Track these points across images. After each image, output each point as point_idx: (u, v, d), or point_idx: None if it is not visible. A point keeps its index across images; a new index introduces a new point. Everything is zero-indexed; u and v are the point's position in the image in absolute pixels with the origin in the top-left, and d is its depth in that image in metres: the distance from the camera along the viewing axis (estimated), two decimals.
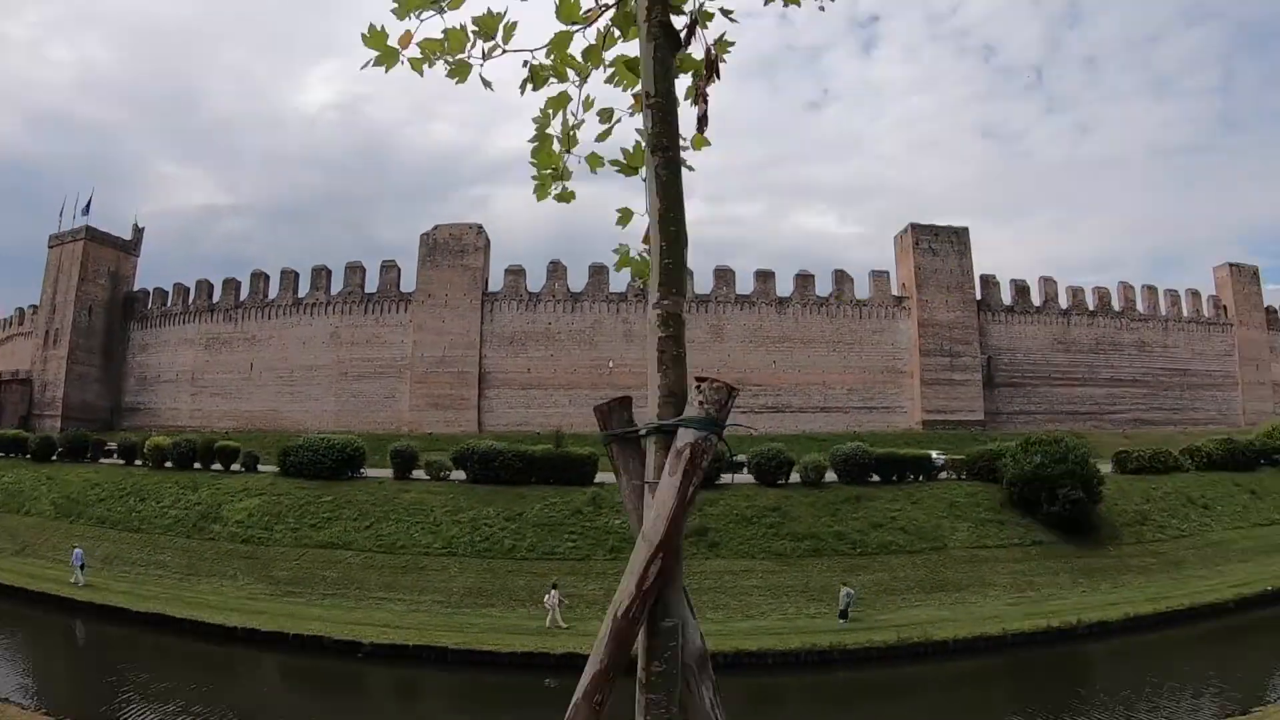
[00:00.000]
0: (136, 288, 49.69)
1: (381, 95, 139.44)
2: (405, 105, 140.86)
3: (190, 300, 47.25)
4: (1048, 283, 52.24)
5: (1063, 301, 52.46)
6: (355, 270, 45.85)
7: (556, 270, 45.84)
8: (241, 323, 46.14)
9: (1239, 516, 31.75)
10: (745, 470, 30.73)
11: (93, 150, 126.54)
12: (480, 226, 46.07)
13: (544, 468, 28.93)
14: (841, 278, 47.39)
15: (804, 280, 46.90)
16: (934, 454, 33.76)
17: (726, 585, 23.60)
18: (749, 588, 23.77)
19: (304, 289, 46.31)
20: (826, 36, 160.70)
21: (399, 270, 45.84)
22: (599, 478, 29.21)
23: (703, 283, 46.09)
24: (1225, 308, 59.78)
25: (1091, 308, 53.19)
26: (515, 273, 45.44)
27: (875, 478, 29.97)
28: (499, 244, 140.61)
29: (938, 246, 48.08)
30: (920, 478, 30.49)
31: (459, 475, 29.61)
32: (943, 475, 31.10)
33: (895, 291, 48.39)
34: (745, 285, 46.98)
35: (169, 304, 47.81)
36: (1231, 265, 60.36)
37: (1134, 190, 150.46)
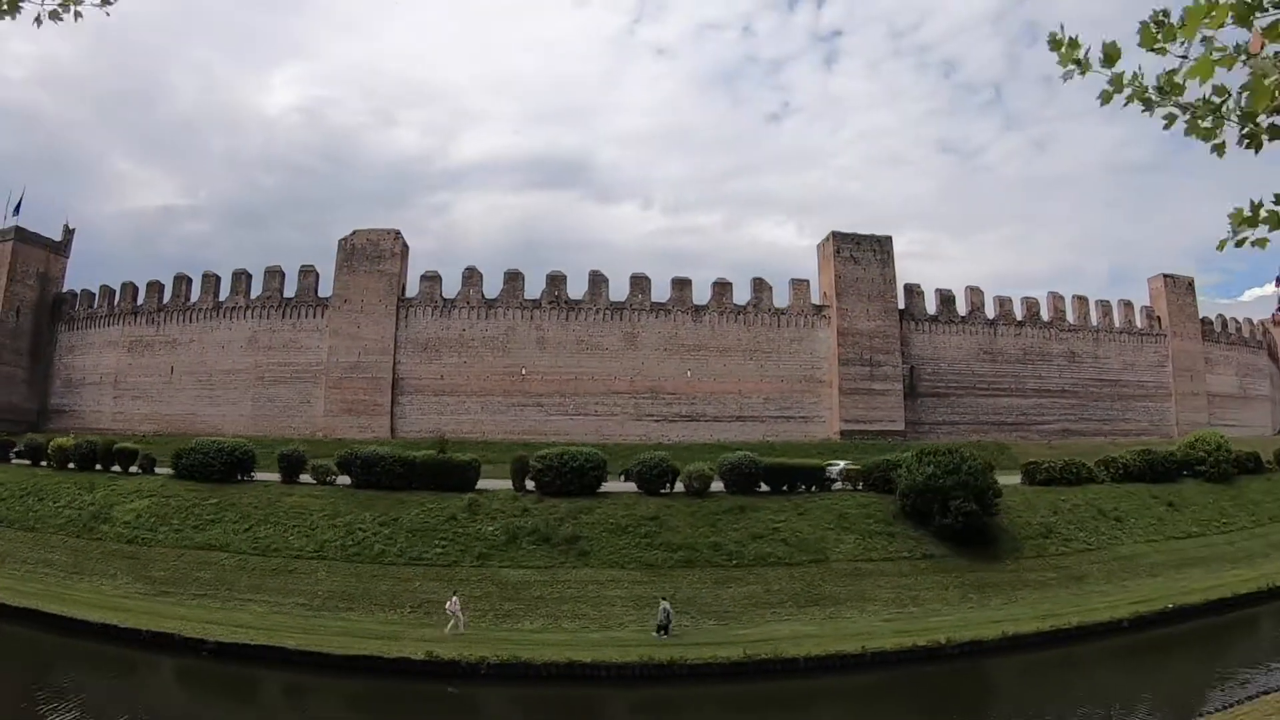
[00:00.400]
0: (66, 289, 50.40)
1: (344, 99, 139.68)
2: (367, 110, 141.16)
3: (115, 303, 47.91)
4: (974, 292, 52.05)
5: (989, 311, 52.28)
6: (274, 275, 46.32)
7: (515, 279, 45.72)
8: (163, 326, 46.76)
9: (1153, 529, 31.70)
10: (623, 478, 30.97)
11: (51, 146, 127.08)
12: (398, 232, 46.41)
13: (425, 473, 29.18)
14: (760, 286, 47.40)
15: (721, 288, 46.95)
16: (842, 464, 33.73)
17: (589, 595, 23.84)
18: (613, 598, 23.84)
19: (225, 293, 46.80)
20: (788, 49, 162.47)
21: (317, 275, 46.27)
22: (481, 484, 29.69)
23: (618, 291, 46.30)
24: (1159, 318, 59.40)
25: (1020, 318, 52.97)
26: (431, 279, 45.77)
27: (765, 488, 29.96)
28: (459, 251, 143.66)
29: (859, 255, 48.00)
30: (813, 488, 30.51)
31: (345, 480, 29.91)
32: (837, 486, 31.05)
33: (817, 300, 48.35)
34: (663, 294, 47.11)
35: (95, 306, 48.49)
36: (1166, 276, 59.92)
37: (1090, 207, 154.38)
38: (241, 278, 46.42)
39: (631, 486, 29.76)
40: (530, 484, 28.93)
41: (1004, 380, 51.13)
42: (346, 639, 20.38)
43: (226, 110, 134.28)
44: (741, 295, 47.68)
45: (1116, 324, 56.73)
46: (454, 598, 21.75)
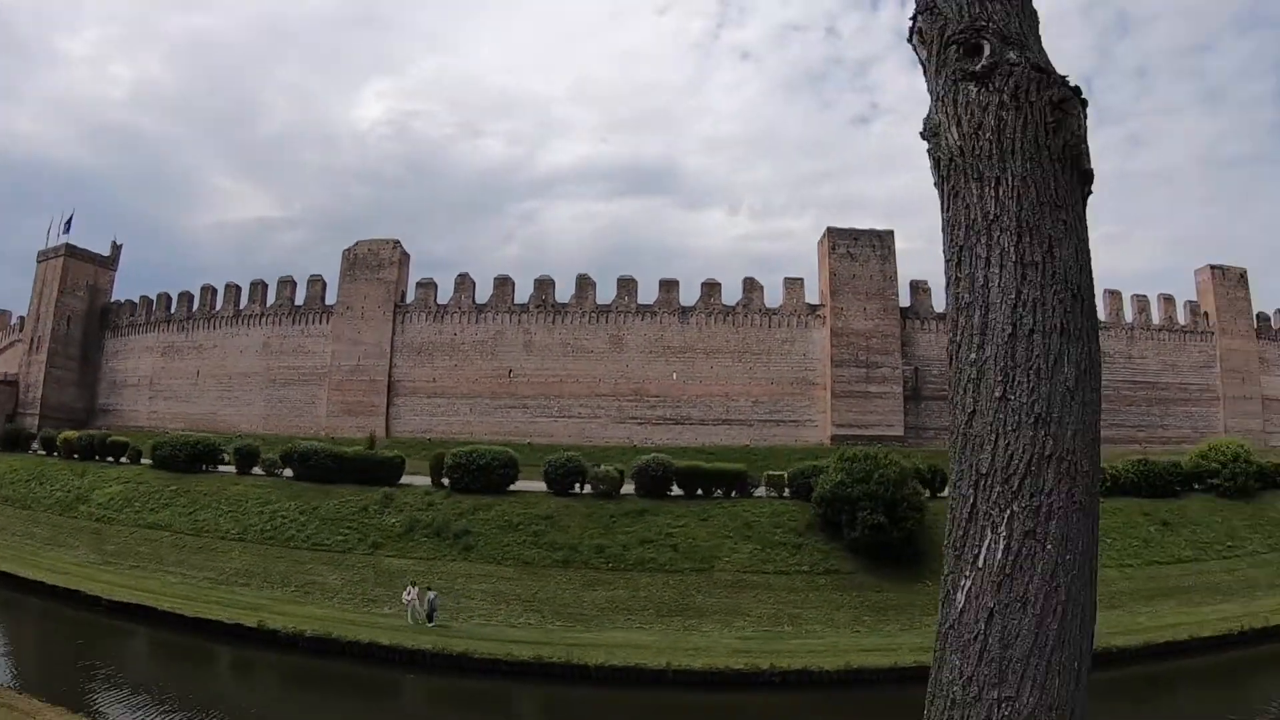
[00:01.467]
0: (115, 299, 55.49)
1: (431, 112, 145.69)
2: (454, 122, 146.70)
3: (152, 312, 52.35)
4: None
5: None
6: (286, 284, 49.33)
7: (504, 284, 47.04)
8: (191, 333, 50.76)
9: (1133, 552, 29.02)
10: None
11: (150, 164, 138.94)
12: (397, 242, 48.44)
13: (353, 468, 31.29)
14: (751, 285, 46.49)
15: (710, 289, 46.36)
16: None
17: (456, 588, 24.81)
18: (475, 591, 24.84)
19: (245, 302, 50.22)
20: (873, 49, 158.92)
21: (324, 284, 48.92)
22: (404, 479, 31.45)
23: (605, 293, 46.48)
24: (1206, 314, 53.87)
25: None
26: (426, 285, 47.51)
27: (679, 492, 29.73)
28: (549, 258, 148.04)
29: (856, 251, 46.20)
30: (733, 494, 29.91)
31: (289, 473, 32.27)
32: (760, 492, 30.34)
33: (814, 300, 46.87)
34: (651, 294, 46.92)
35: (135, 315, 53.17)
36: (1214, 267, 54.42)
37: (1188, 204, 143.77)
38: (258, 287, 49.75)
39: (540, 485, 30.38)
40: (445, 480, 30.02)
41: None
42: (211, 606, 22.98)
43: (318, 126, 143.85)
44: (733, 296, 46.89)
45: (1155, 320, 52.05)
46: (412, 589, 23.02)
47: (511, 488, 30.30)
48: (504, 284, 47.03)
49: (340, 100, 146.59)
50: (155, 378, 51.05)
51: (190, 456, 33.61)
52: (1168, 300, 53.55)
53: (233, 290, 50.57)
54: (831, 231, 46.71)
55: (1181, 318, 53.72)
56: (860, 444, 44.17)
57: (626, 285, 46.48)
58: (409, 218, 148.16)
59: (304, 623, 21.84)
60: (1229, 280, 55.33)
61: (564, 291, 47.06)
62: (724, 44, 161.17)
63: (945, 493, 26.45)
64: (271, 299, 49.48)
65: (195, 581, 25.68)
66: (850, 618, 24.14)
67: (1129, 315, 51.77)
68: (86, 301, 52.44)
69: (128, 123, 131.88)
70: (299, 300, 49.08)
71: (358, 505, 29.16)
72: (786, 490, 30.16)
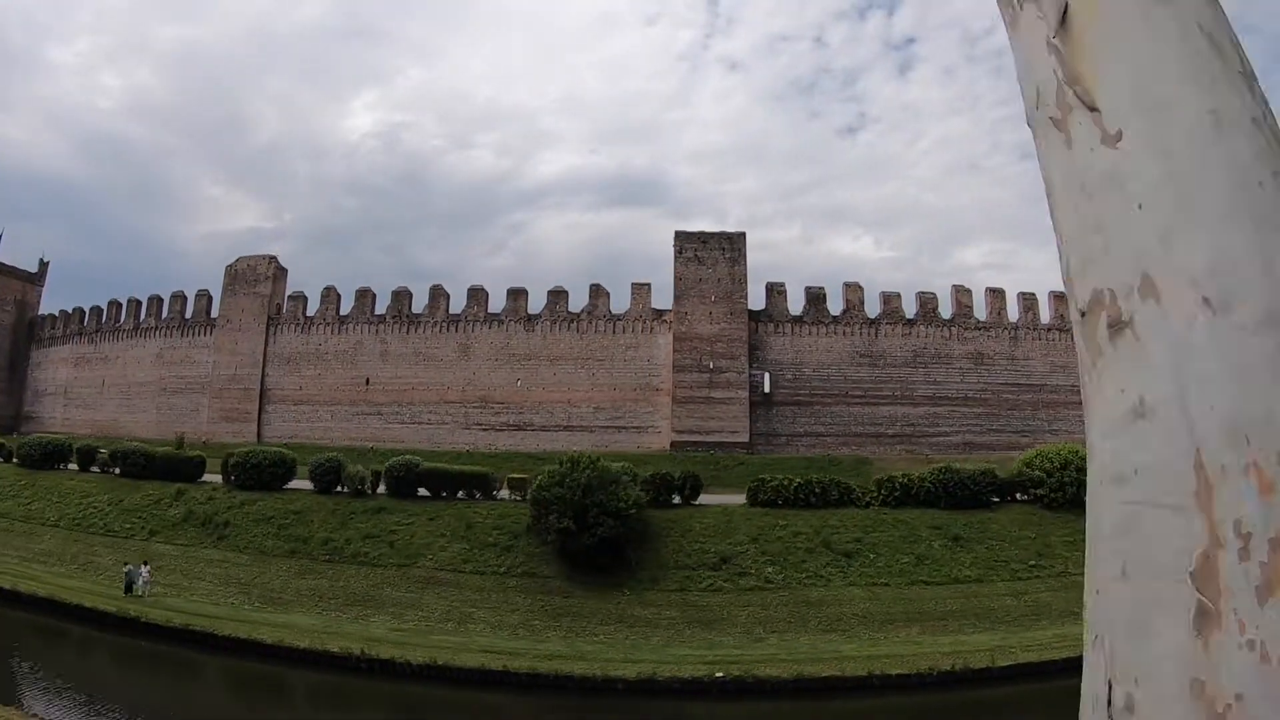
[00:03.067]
0: (44, 313, 61.83)
1: (419, 124, 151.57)
2: (443, 134, 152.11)
3: (69, 325, 58.21)
4: (851, 289, 48.97)
5: (872, 309, 48.91)
6: (178, 299, 54.04)
7: (365, 295, 50.67)
8: (99, 344, 56.17)
9: (899, 570, 27.35)
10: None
11: (141, 174, 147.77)
12: (274, 257, 52.37)
13: (161, 466, 35.26)
14: (597, 292, 48.14)
15: (556, 296, 48.24)
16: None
17: (195, 571, 28.43)
18: (210, 574, 28.31)
19: (144, 315, 55.30)
20: (862, 59, 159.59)
21: (210, 298, 53.31)
22: (205, 477, 34.95)
23: (456, 303, 49.04)
24: None
25: (910, 315, 49.02)
26: (296, 298, 51.23)
27: (424, 492, 32.20)
28: (539, 268, 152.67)
29: (705, 254, 47.20)
30: (477, 495, 32.17)
31: (119, 469, 36.34)
32: (503, 494, 32.36)
33: (662, 305, 48.12)
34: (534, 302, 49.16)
35: (55, 328, 59.18)
36: None
37: None
38: (154, 302, 54.64)
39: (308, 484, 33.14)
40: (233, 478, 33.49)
41: (886, 386, 47.82)
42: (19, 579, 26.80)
43: (309, 137, 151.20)
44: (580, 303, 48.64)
45: (1044, 319, 50.66)
46: (144, 566, 26.83)
47: (288, 485, 33.43)
48: (364, 295, 50.24)
49: (330, 112, 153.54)
50: (69, 386, 56.80)
51: (43, 455, 38.25)
52: (1059, 298, 51.97)
53: (134, 304, 55.72)
54: (679, 235, 47.83)
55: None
56: (702, 451, 45.60)
57: (476, 294, 48.95)
58: (399, 229, 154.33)
59: (43, 588, 25.90)
60: None
61: (456, 303, 49.94)
62: (712, 54, 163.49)
63: (701, 500, 30.43)
64: (166, 313, 54.35)
65: (6, 560, 29.47)
66: (520, 620, 25.80)
67: (1013, 314, 50.68)
68: (14, 315, 58.79)
69: (119, 132, 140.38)
70: (189, 314, 53.74)
71: (155, 498, 32.97)
72: (529, 493, 31.93)
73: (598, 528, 27.09)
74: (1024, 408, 49.67)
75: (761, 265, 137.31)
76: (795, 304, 48.54)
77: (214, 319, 52.48)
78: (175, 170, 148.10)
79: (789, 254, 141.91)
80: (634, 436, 46.43)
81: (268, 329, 50.74)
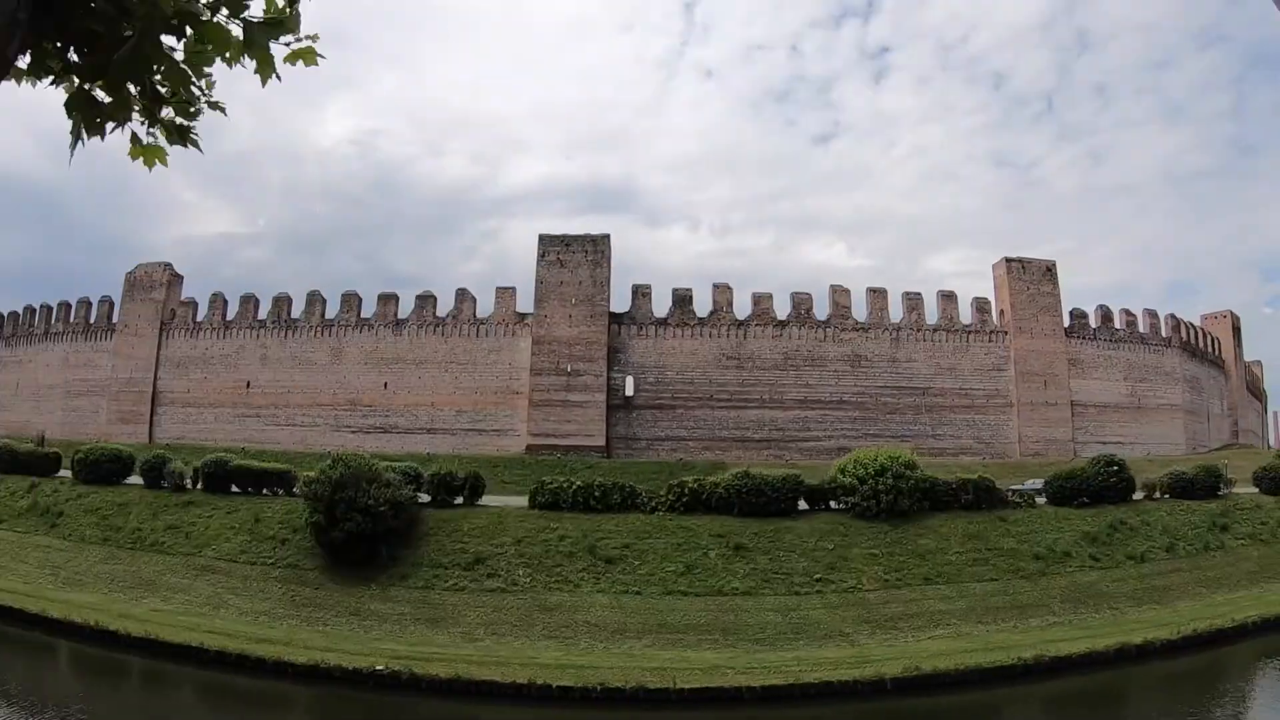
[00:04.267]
0: None
1: (393, 131, 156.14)
2: (417, 140, 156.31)
3: None
4: (720, 290, 49.50)
5: (740, 311, 49.32)
6: (83, 305, 57.63)
7: (248, 301, 53.56)
8: (15, 348, 60.21)
9: (663, 580, 27.72)
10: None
11: (110, 177, 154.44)
12: (169, 265, 55.53)
13: (24, 462, 38.84)
14: (462, 296, 49.87)
15: (423, 300, 50.07)
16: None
17: (16, 553, 31.91)
18: (31, 557, 31.60)
19: (54, 320, 59.12)
20: (837, 67, 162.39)
21: (111, 304, 56.73)
22: (62, 472, 38.41)
23: (332, 308, 51.28)
24: (1003, 312, 51.08)
25: (783, 317, 49.25)
26: (186, 304, 54.25)
27: (235, 489, 34.82)
28: (511, 274, 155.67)
29: (567, 258, 48.52)
30: (280, 491, 34.59)
31: None
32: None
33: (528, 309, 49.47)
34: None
35: None
36: (1010, 260, 51.87)
37: (1148, 217, 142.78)
38: (61, 308, 58.40)
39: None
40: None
41: (755, 390, 48.37)
42: None
43: (283, 143, 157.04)
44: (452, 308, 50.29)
45: (930, 320, 50.25)
46: None
47: (128, 480, 36.52)
48: (248, 302, 52.93)
49: (303, 118, 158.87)
50: None
51: None
52: (947, 298, 51.53)
53: (44, 311, 59.62)
54: (543, 238, 49.25)
55: (968, 316, 51.54)
56: (557, 454, 46.84)
57: (349, 300, 51.12)
58: (372, 235, 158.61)
59: None
60: (1030, 275, 52.44)
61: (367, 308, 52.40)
62: (688, 62, 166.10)
63: (485, 501, 33.32)
64: (73, 318, 58.05)
65: None
66: (267, 608, 27.93)
67: (896, 314, 50.43)
68: None
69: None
70: (94, 319, 57.29)
71: (11, 490, 36.38)
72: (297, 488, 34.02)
73: (346, 523, 28.77)
74: (905, 411, 49.55)
75: (731, 272, 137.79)
76: (665, 306, 49.41)
77: (114, 324, 55.88)
78: (147, 174, 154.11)
79: (760, 262, 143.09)
80: (494, 439, 47.96)
81: (161, 334, 53.85)
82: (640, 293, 49.59)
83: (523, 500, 33.75)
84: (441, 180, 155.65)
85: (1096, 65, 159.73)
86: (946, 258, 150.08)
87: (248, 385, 51.54)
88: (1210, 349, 65.31)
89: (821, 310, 49.93)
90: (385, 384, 49.51)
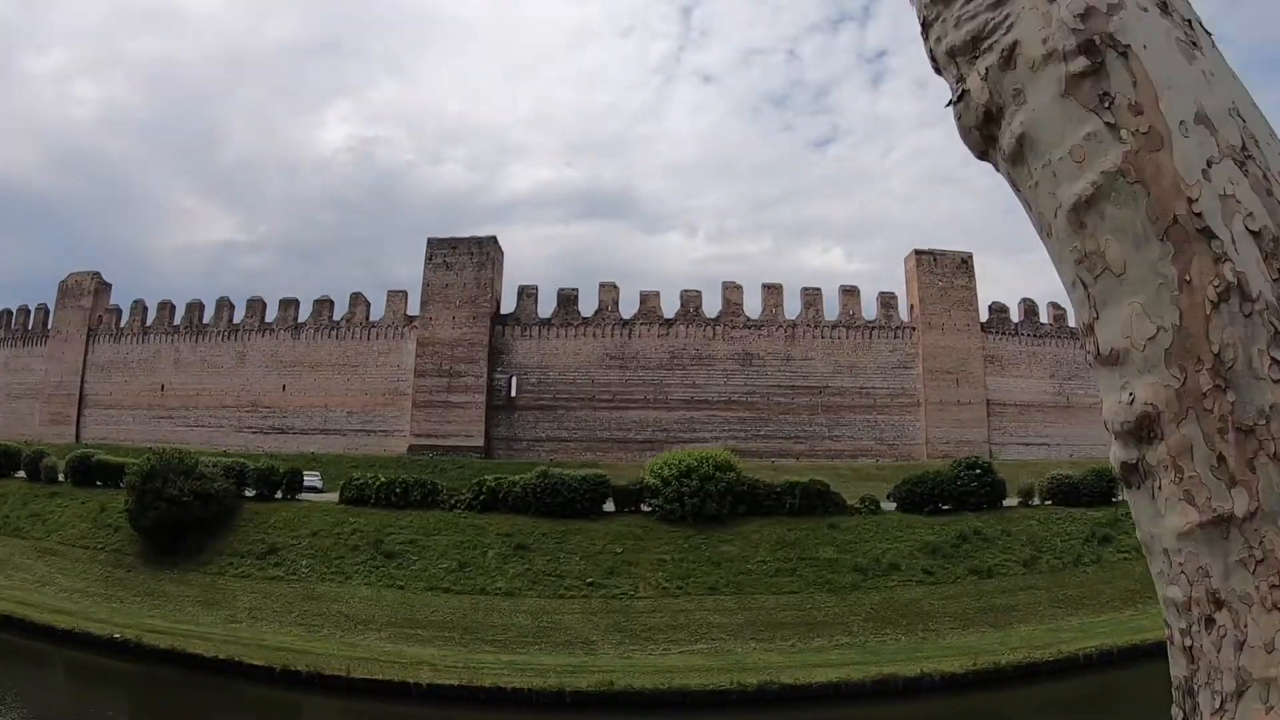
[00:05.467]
0: None
1: (391, 139, 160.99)
2: (414, 148, 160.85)
3: None
4: (606, 289, 50.45)
5: (627, 309, 50.19)
6: (22, 312, 62.30)
7: (164, 307, 57.27)
8: None
9: (432, 577, 29.41)
10: None
11: (116, 186, 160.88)
12: (97, 274, 59.55)
13: None
14: (356, 300, 52.12)
15: (321, 305, 52.58)
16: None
17: None
18: None
19: None
20: (834, 72, 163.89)
21: (48, 311, 61.12)
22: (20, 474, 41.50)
23: (239, 313, 54.36)
24: (913, 307, 50.37)
25: (669, 315, 49.88)
26: (111, 311, 58.12)
27: (99, 482, 37.92)
28: (510, 280, 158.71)
29: (454, 260, 50.33)
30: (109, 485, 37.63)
31: None
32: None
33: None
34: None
35: None
36: (920, 253, 50.84)
37: None
38: (3, 315, 63.24)
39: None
40: None
41: (638, 389, 49.22)
42: None
43: (282, 151, 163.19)
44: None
45: (828, 316, 50.07)
46: None
47: (16, 475, 40.44)
48: (164, 307, 56.45)
49: (302, 126, 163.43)
50: None
51: None
52: (849, 293, 51.16)
53: None
54: (431, 241, 51.21)
55: (871, 312, 51.11)
56: (438, 454, 48.56)
57: (254, 305, 54.05)
58: (371, 243, 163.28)
59: None
60: (943, 268, 51.52)
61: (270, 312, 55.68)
62: (686, 67, 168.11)
63: (304, 496, 36.93)
64: (14, 324, 62.78)
65: None
66: (83, 586, 31.26)
67: (791, 311, 50.46)
68: None
69: (93, 145, 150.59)
70: (31, 325, 61.86)
71: None
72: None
73: (152, 510, 31.49)
74: (800, 411, 49.57)
75: (729, 277, 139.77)
76: (544, 307, 50.69)
77: (49, 331, 60.27)
78: (149, 182, 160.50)
79: (759, 266, 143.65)
80: (381, 440, 50.07)
81: (88, 339, 57.83)
82: (526, 293, 51.00)
83: (331, 496, 36.11)
84: (440, 187, 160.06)
85: None
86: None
87: (162, 388, 54.99)
88: None
89: (714, 308, 50.49)
90: (284, 386, 52.21)
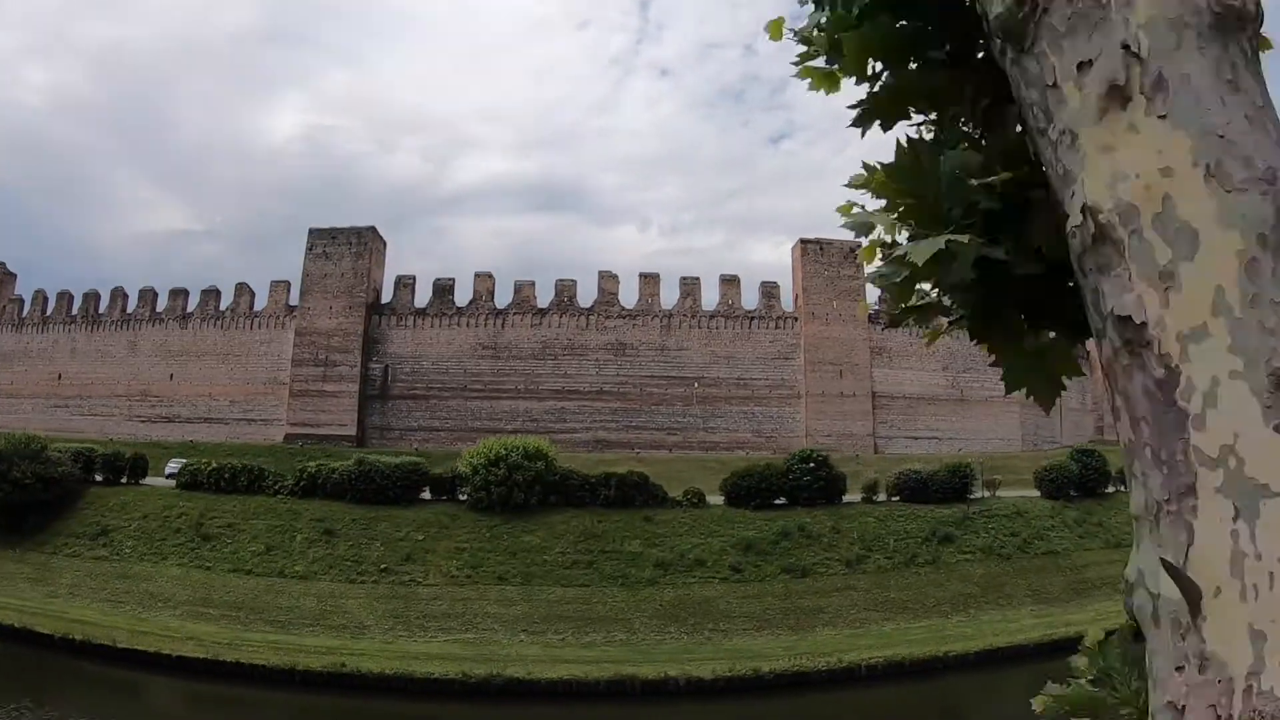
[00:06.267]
0: None
1: (345, 128, 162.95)
2: (368, 137, 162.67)
3: None
4: (482, 279, 51.33)
5: (502, 300, 51.03)
6: None
7: (63, 298, 59.21)
8: None
9: (239, 559, 31.20)
10: None
11: (65, 173, 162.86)
12: (2, 263, 61.58)
13: None
14: (240, 291, 53.47)
15: (208, 296, 54.04)
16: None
17: None
18: None
19: None
20: (791, 67, 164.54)
21: None
22: None
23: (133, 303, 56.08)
24: (796, 296, 50.58)
25: (543, 305, 50.65)
26: (15, 301, 60.14)
27: None
28: (464, 271, 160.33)
29: (333, 250, 51.55)
30: None
31: None
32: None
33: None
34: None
35: None
36: (805, 242, 50.80)
37: None
38: None
39: None
40: None
41: (510, 380, 50.09)
42: None
43: (237, 141, 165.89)
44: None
45: (706, 306, 50.54)
46: None
47: None
48: (63, 298, 58.33)
49: (254, 114, 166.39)
50: None
51: None
52: (728, 282, 51.49)
53: None
54: (312, 232, 52.42)
55: (752, 302, 51.47)
56: (311, 443, 49.87)
57: (145, 295, 55.74)
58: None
59: None
60: (829, 257, 51.52)
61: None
62: (643, 60, 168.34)
63: (147, 480, 39.11)
64: None
65: None
66: None
67: (668, 300, 50.97)
68: None
69: (44, 130, 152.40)
70: None
71: None
72: None
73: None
74: (674, 402, 50.15)
75: (681, 271, 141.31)
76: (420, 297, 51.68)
77: None
78: (102, 170, 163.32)
79: (713, 260, 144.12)
80: (262, 429, 51.51)
81: None
82: (403, 284, 52.09)
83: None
84: (393, 177, 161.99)
85: None
86: None
87: (59, 377, 56.95)
88: None
89: (589, 298, 51.14)
90: (171, 375, 53.86)
